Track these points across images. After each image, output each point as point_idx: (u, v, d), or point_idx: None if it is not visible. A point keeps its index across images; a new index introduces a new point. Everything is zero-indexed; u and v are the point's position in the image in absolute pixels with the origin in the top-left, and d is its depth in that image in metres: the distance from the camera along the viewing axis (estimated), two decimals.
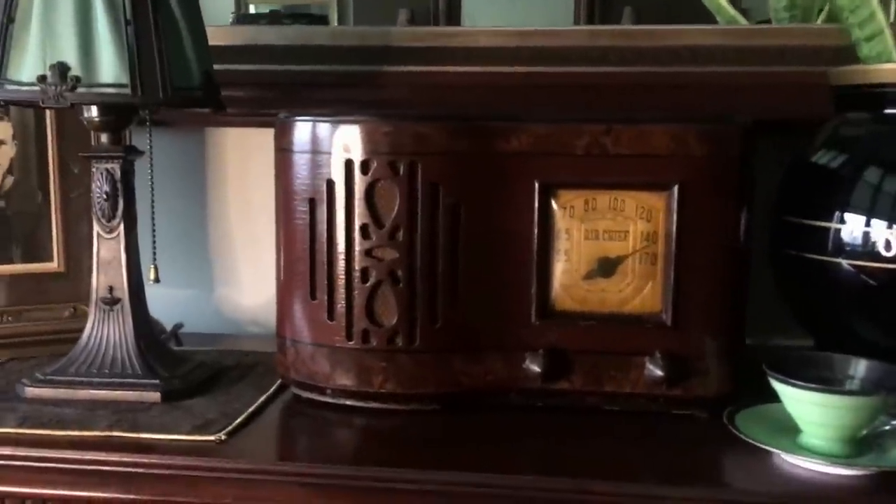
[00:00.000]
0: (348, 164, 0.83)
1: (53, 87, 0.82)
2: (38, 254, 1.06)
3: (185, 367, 0.94)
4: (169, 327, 1.11)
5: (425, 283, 0.83)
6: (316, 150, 0.85)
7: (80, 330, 1.04)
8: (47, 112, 1.06)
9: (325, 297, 0.85)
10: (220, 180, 1.23)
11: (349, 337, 0.85)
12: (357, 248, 0.84)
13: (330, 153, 0.84)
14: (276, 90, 1.14)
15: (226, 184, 1.23)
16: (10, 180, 1.05)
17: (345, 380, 0.86)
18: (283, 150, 0.88)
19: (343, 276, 0.85)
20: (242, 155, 1.22)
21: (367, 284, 0.84)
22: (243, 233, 1.24)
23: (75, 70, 0.82)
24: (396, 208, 0.83)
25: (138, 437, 0.79)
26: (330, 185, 0.84)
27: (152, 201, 0.93)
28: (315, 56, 1.13)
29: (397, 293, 0.84)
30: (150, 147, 0.92)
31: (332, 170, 0.84)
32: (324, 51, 1.12)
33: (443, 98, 1.10)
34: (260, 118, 1.10)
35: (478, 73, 1.08)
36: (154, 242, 0.93)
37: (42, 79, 0.82)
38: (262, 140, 1.20)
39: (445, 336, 0.84)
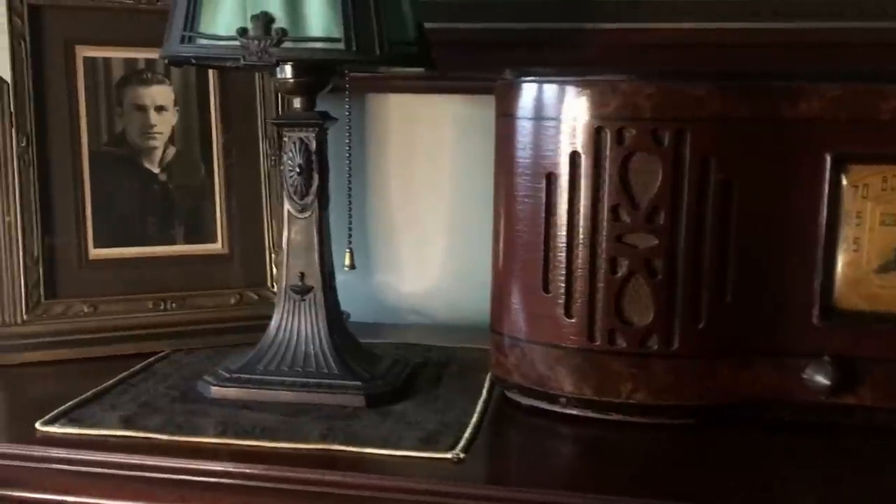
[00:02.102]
0: (598, 133, 0.70)
1: (256, 42, 0.70)
2: (202, 234, 0.96)
3: (381, 366, 0.82)
4: None
5: (688, 275, 0.70)
6: (555, 116, 0.72)
7: (246, 319, 0.94)
8: (210, 75, 0.95)
9: (563, 291, 0.73)
10: (381, 153, 1.11)
11: (591, 337, 0.72)
12: (605, 233, 0.71)
13: (575, 120, 0.71)
14: (449, 50, 1.01)
15: (387, 157, 1.11)
16: (171, 151, 0.94)
17: (584, 387, 0.73)
18: (509, 117, 0.75)
19: (585, 267, 0.72)
20: (406, 126, 1.10)
21: (617, 276, 0.71)
22: (405, 213, 1.12)
23: (280, 22, 0.70)
24: (658, 186, 0.69)
25: (360, 453, 0.67)
26: (574, 158, 0.71)
27: (349, 176, 0.81)
28: (495, 13, 1.01)
29: (653, 287, 0.71)
30: (349, 113, 0.80)
31: (577, 139, 0.71)
32: (503, 7, 0.99)
33: (644, 60, 0.96)
34: (427, 82, 0.98)
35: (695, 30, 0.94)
36: (350, 222, 0.82)
37: (242, 32, 0.71)
38: (426, 109, 1.07)
39: (709, 338, 0.71)
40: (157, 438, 0.69)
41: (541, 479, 0.65)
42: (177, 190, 0.95)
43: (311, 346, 0.80)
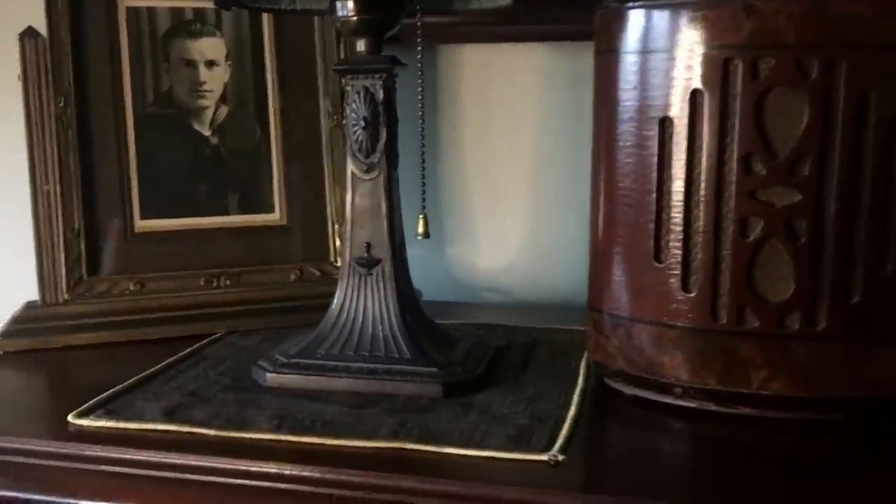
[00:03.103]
0: (726, 66, 0.57)
1: None
2: (258, 203, 0.86)
3: (459, 350, 0.71)
4: None
5: (839, 239, 0.57)
6: (669, 47, 0.59)
7: (307, 297, 0.84)
8: (264, 23, 0.85)
9: (679, 260, 0.60)
10: (455, 111, 0.99)
11: (715, 316, 0.60)
12: (734, 188, 0.58)
13: (694, 51, 0.58)
14: None
15: (461, 116, 0.99)
16: (223, 111, 0.85)
17: (705, 375, 0.61)
18: (612, 52, 0.63)
19: (708, 230, 0.59)
20: (482, 79, 0.98)
21: (749, 240, 0.58)
22: (481, 179, 1.00)
23: None
24: (802, 129, 0.56)
25: (438, 453, 0.56)
26: (694, 97, 0.58)
27: (422, 130, 0.70)
28: None
29: (795, 253, 0.58)
30: (421, 57, 0.68)
31: (697, 74, 0.58)
32: None
33: None
34: (506, 28, 0.86)
35: None
36: (423, 183, 0.70)
37: None
38: (504, 60, 0.96)
39: (864, 317, 0.58)
40: (202, 434, 0.59)
41: (652, 485, 0.53)
42: (230, 154, 0.85)
43: (380, 328, 0.70)
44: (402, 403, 0.64)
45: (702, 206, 0.59)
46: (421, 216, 0.70)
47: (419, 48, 0.68)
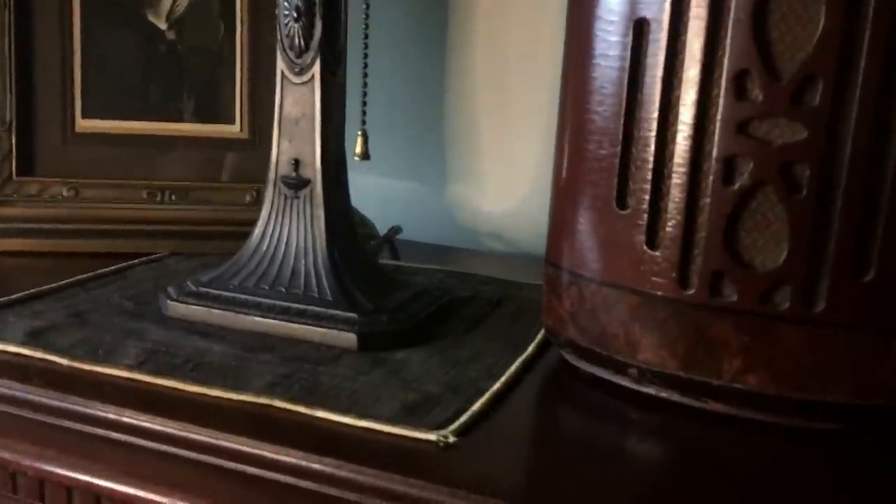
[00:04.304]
0: None
1: None
2: (216, 111, 0.76)
3: (397, 297, 0.60)
4: (381, 231, 0.78)
5: (853, 193, 0.43)
6: None
7: None
8: None
9: (645, 207, 0.47)
10: (465, 36, 0.86)
11: (684, 282, 0.47)
12: (721, 116, 0.44)
13: None
14: None
15: (472, 42, 0.86)
16: (184, 2, 0.75)
17: (668, 357, 0.48)
18: None
19: (684, 170, 0.46)
20: None
21: (734, 188, 0.45)
22: (492, 112, 0.88)
23: None
24: (815, 40, 0.42)
25: (307, 415, 0.46)
26: None
27: (365, 30, 0.58)
28: None
29: (794, 209, 0.44)
30: None
31: None
32: None
33: None
34: None
35: None
36: (364, 94, 0.59)
37: None
38: None
39: (879, 299, 0.43)
40: (53, 362, 0.51)
41: (579, 493, 0.41)
42: (188, 53, 0.75)
43: (302, 261, 0.59)
44: (303, 351, 0.54)
45: (678, 140, 0.46)
46: (359, 132, 0.59)
47: None
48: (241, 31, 0.75)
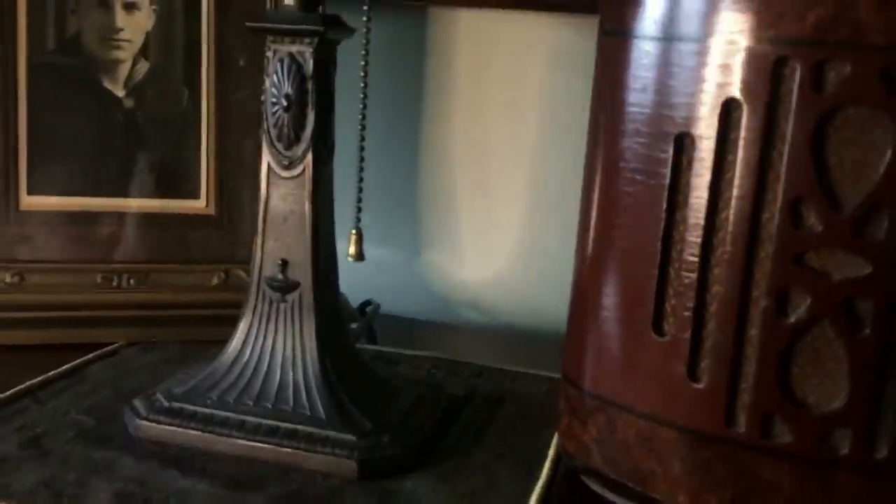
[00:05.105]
0: (778, 69, 0.39)
1: None
2: (179, 186, 0.70)
3: (396, 408, 0.54)
4: (354, 305, 0.73)
5: None
6: (699, 35, 0.41)
7: (233, 306, 0.67)
8: None
9: (687, 335, 0.43)
10: (444, 90, 0.82)
11: (731, 419, 0.43)
12: (774, 246, 0.41)
13: (734, 43, 0.40)
14: None
15: (452, 96, 0.82)
16: (143, 67, 0.68)
17: (711, 500, 0.44)
18: (620, 36, 0.45)
19: (730, 300, 0.42)
20: (479, 55, 0.81)
21: (789, 322, 0.41)
22: (470, 176, 0.83)
23: None
24: (883, 171, 0.38)
25: None
26: (728, 108, 0.41)
27: (362, 118, 0.53)
28: None
29: (854, 347, 0.40)
30: (368, 19, 0.51)
31: (735, 77, 0.40)
32: None
33: None
34: None
35: None
36: (360, 191, 0.53)
37: None
38: (507, 33, 0.78)
39: None
40: None
41: None
42: (148, 122, 0.68)
43: (290, 373, 0.53)
44: (299, 485, 0.48)
45: (724, 266, 0.42)
46: (353, 231, 0.54)
47: (366, 12, 0.50)
48: (208, 96, 0.69)
